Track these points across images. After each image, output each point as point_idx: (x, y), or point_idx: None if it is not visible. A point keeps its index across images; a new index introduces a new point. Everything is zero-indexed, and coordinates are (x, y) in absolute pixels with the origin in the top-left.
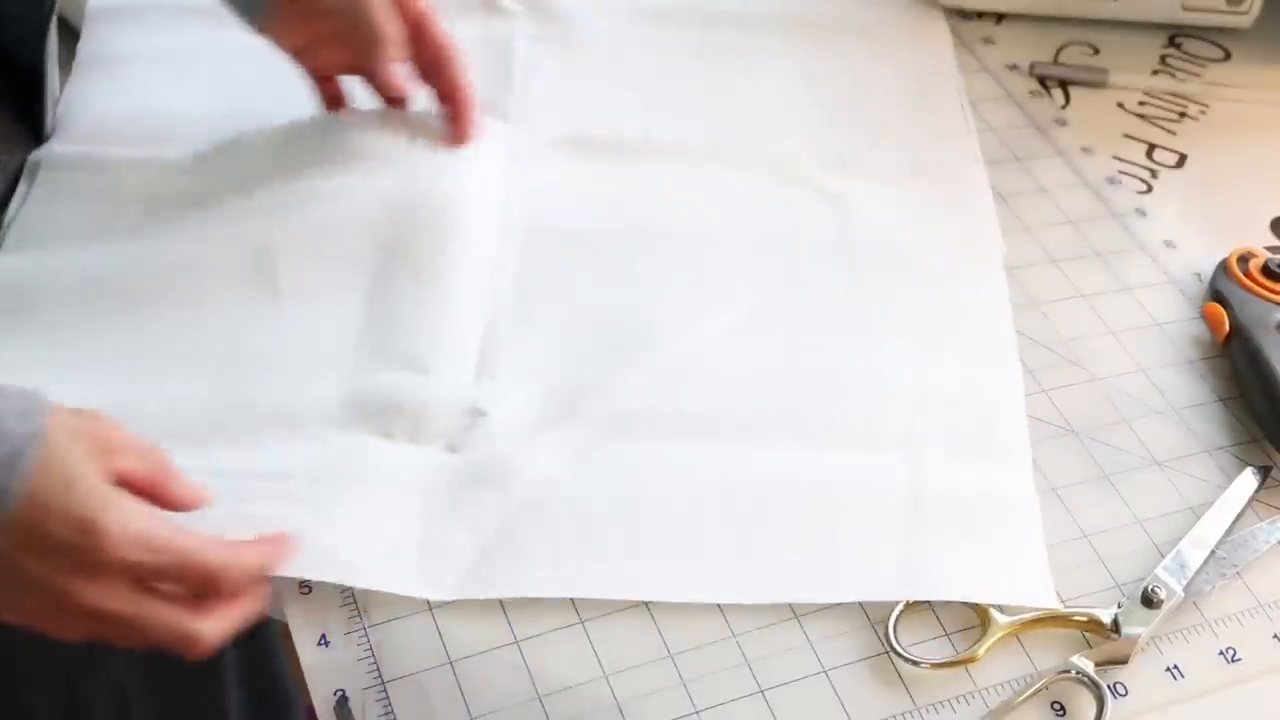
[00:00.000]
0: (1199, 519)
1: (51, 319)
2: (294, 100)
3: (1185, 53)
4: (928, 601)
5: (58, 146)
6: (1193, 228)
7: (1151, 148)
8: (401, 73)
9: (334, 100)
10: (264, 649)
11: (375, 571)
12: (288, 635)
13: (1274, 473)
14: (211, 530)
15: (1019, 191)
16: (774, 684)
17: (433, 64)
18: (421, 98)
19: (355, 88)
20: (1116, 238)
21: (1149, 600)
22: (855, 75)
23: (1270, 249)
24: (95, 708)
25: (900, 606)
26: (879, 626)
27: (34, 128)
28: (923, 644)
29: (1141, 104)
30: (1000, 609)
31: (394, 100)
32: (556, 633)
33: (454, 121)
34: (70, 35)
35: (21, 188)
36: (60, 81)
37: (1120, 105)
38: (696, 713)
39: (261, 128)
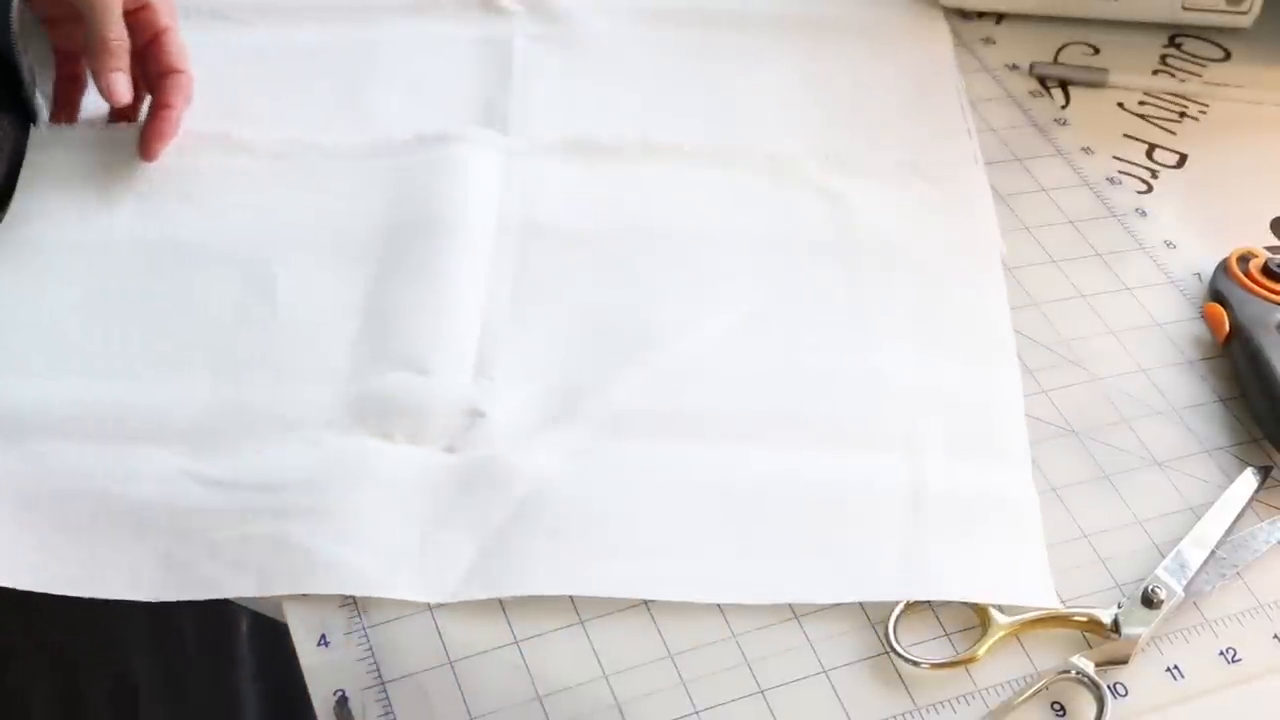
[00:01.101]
0: (1199, 519)
1: (48, 320)
2: (294, 105)
3: (1185, 53)
4: (928, 601)
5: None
6: (1193, 228)
7: (1152, 148)
8: (119, 82)
9: (70, 79)
10: (281, 646)
11: (375, 577)
12: None
13: (1274, 473)
14: (211, 552)
15: (1019, 191)
16: (774, 684)
17: (155, 79)
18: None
19: None
20: (1116, 238)
21: (1149, 600)
22: (855, 75)
23: (1270, 249)
24: (98, 702)
25: (900, 606)
26: (879, 626)
27: (21, 116)
28: (923, 644)
29: (1142, 104)
30: (1000, 609)
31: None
32: (556, 633)
33: (145, 137)
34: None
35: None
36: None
37: (1120, 105)
38: (696, 713)
39: (260, 129)
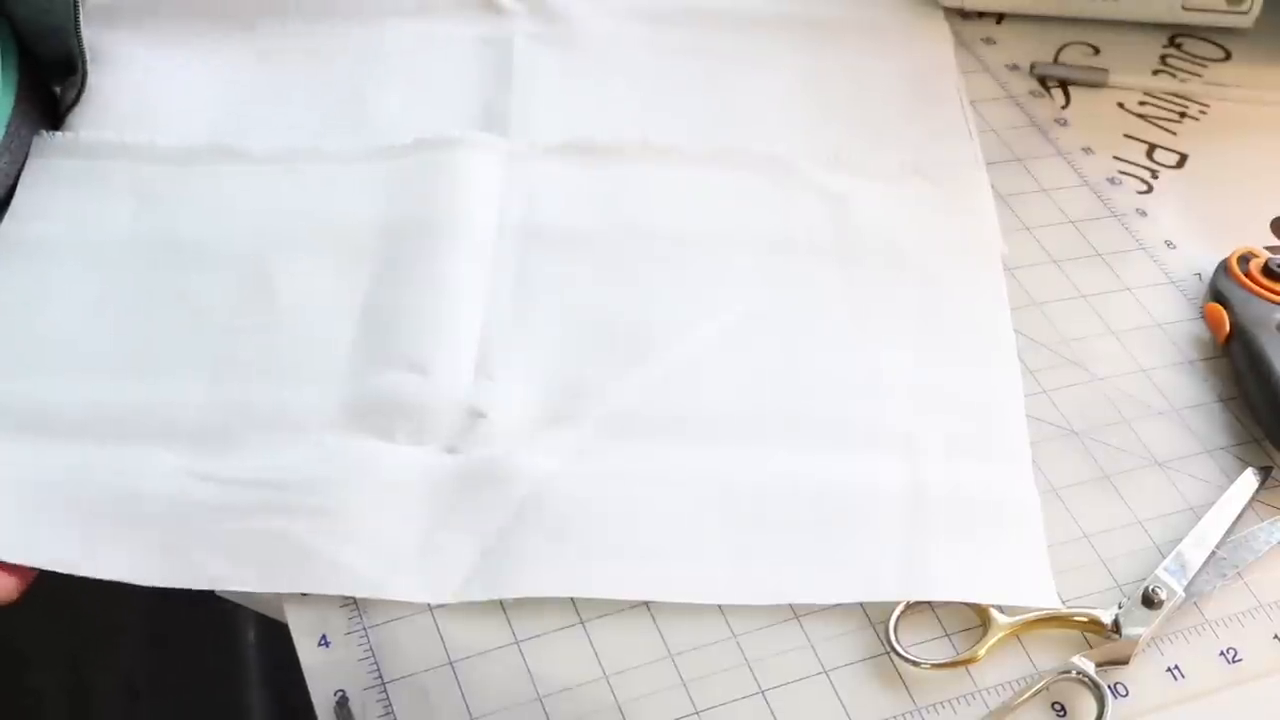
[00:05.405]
0: (1199, 519)
1: (47, 320)
2: (294, 106)
3: (1186, 53)
4: (928, 602)
5: (56, 136)
6: (1193, 228)
7: (1152, 148)
8: None
9: None
10: (287, 647)
11: (375, 577)
12: None
13: (1274, 473)
14: (210, 544)
15: (1019, 191)
16: (774, 684)
17: None
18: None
19: None
20: (1116, 238)
21: (1150, 601)
22: (855, 75)
23: (1271, 249)
24: (103, 697)
25: (901, 607)
26: (879, 627)
27: (34, 121)
28: (923, 644)
29: (1142, 104)
30: (1001, 609)
31: None
32: (556, 633)
33: None
34: None
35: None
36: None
37: (1120, 105)
38: (697, 713)
39: (260, 130)
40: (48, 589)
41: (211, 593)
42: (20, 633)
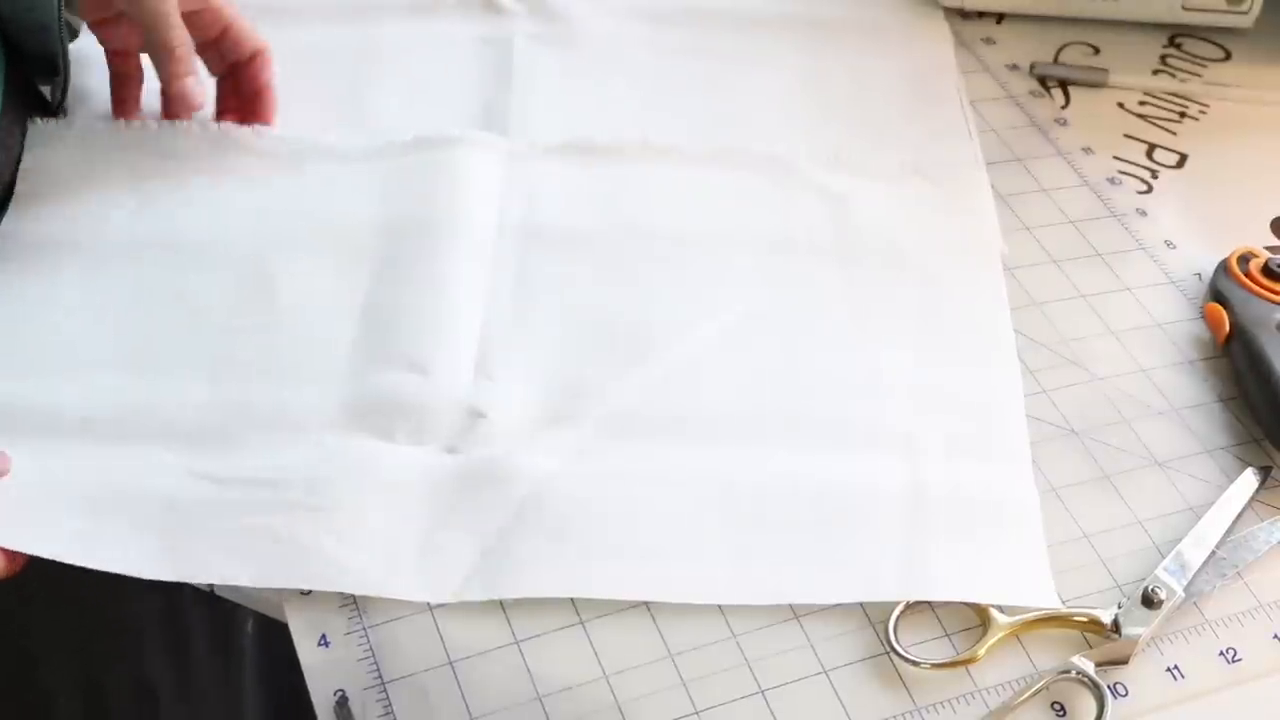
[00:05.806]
0: (1199, 519)
1: (47, 320)
2: (295, 105)
3: (1186, 53)
4: (928, 602)
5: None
6: (1193, 228)
7: (1152, 148)
8: (191, 88)
9: (122, 77)
10: (287, 647)
11: (375, 577)
12: None
13: (1274, 473)
14: (210, 542)
15: (1019, 191)
16: (774, 684)
17: (240, 65)
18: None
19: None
20: (1116, 238)
21: (1149, 600)
22: (855, 75)
23: (1271, 249)
24: (116, 699)
25: (900, 607)
26: (879, 626)
27: (43, 110)
28: (923, 644)
29: (1142, 104)
30: (1001, 609)
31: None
32: (556, 633)
33: (258, 118)
34: (69, 33)
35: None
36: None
37: (1120, 105)
38: (696, 713)
39: (257, 129)
40: (55, 580)
41: (212, 591)
42: (30, 632)
